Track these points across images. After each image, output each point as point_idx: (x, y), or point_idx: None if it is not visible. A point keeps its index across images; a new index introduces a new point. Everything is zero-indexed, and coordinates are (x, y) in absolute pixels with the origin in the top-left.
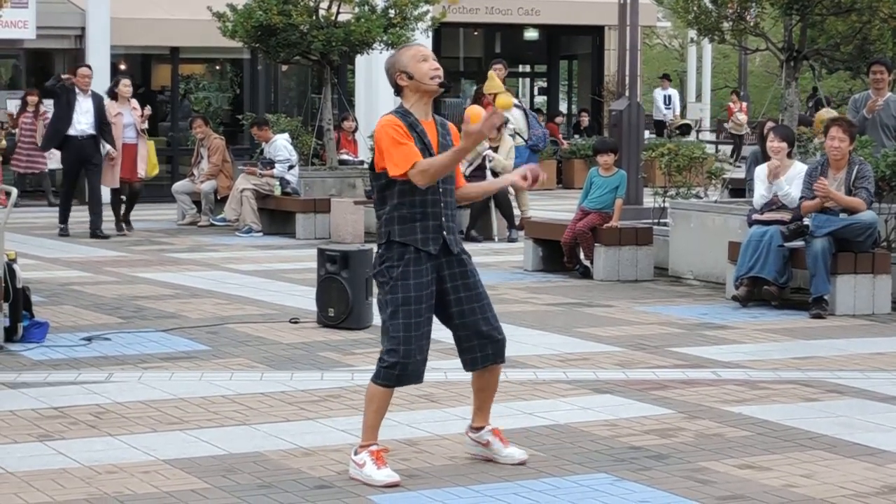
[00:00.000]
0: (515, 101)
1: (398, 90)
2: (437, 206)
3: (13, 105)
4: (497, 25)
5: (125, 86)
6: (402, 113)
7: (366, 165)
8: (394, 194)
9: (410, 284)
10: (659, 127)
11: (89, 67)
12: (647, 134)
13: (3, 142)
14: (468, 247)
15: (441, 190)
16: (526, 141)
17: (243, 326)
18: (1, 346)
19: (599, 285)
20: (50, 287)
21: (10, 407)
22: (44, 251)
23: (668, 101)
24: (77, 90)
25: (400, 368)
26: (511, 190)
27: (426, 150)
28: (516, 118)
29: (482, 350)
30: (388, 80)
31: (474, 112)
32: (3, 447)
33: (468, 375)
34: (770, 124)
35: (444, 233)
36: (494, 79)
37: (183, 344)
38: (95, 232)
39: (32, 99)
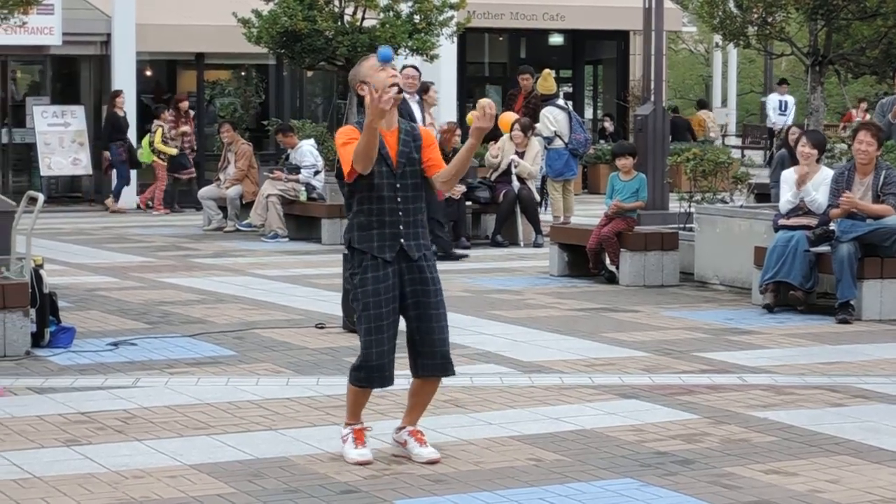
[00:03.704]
0: (560, 102)
1: (361, 101)
2: (394, 215)
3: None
4: (522, 31)
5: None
6: (359, 122)
7: None
8: (354, 202)
9: (369, 290)
10: (770, 134)
11: (415, 68)
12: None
13: (174, 150)
14: (493, 252)
15: (399, 199)
16: (566, 144)
17: (269, 332)
18: (28, 352)
19: (625, 290)
20: (77, 292)
21: (37, 412)
22: (70, 257)
23: (783, 106)
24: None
25: (365, 371)
26: (553, 194)
27: (382, 161)
28: (559, 120)
29: (431, 359)
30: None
31: (506, 119)
32: (30, 452)
33: (494, 381)
34: (796, 129)
35: (402, 240)
36: (549, 78)
37: (209, 349)
38: None
39: (183, 105)
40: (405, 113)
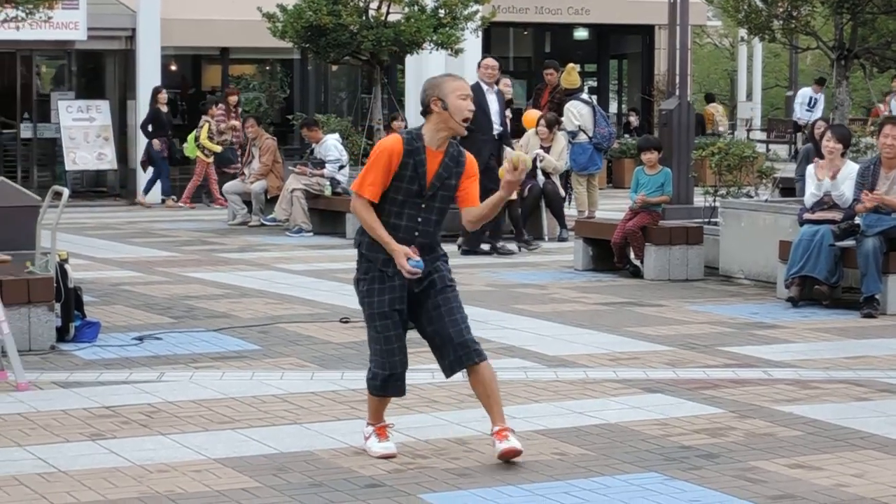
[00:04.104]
0: (585, 96)
1: (426, 112)
2: (410, 233)
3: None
4: (547, 25)
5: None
6: (412, 137)
7: None
8: (375, 206)
9: (374, 302)
10: (796, 128)
11: (494, 59)
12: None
13: (218, 147)
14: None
15: (420, 219)
16: (590, 138)
17: (294, 326)
18: (53, 346)
19: (650, 284)
20: (101, 287)
21: (62, 406)
22: (95, 251)
23: (812, 102)
24: (485, 89)
25: (381, 379)
26: (578, 188)
27: (416, 179)
28: (583, 115)
29: (455, 353)
30: (420, 97)
31: (530, 116)
32: (55, 446)
33: (519, 375)
34: (821, 123)
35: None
36: (573, 73)
37: (234, 343)
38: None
39: (233, 99)
40: (479, 104)
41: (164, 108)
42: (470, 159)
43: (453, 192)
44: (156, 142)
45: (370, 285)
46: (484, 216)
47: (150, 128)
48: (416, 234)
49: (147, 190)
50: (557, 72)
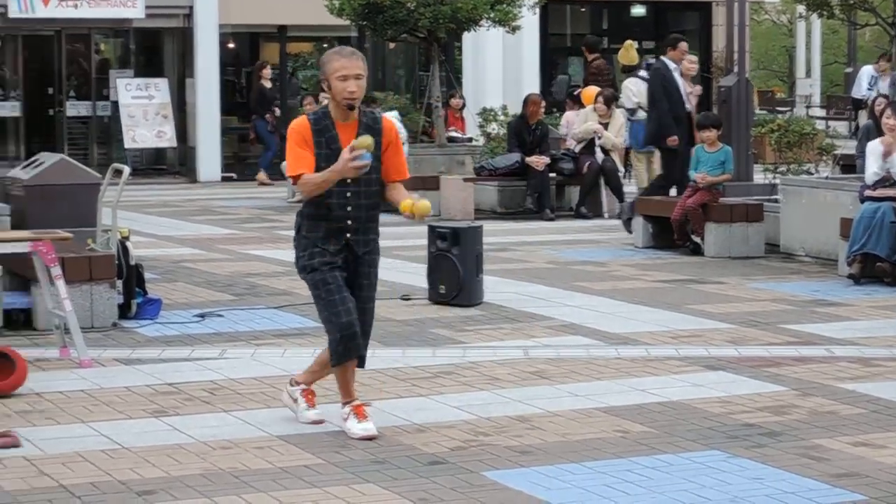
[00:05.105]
0: (643, 73)
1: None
2: (342, 210)
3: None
4: (604, 2)
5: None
6: (318, 116)
7: (473, 143)
8: None
9: (316, 269)
10: (856, 105)
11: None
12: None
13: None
14: (577, 223)
15: (349, 194)
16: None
17: None
18: (115, 323)
19: (710, 262)
20: (163, 264)
21: (125, 383)
22: (157, 229)
23: (873, 81)
24: (672, 69)
25: (342, 343)
26: (637, 165)
27: (333, 155)
28: (642, 92)
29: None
30: None
31: (588, 93)
32: (119, 423)
33: (580, 353)
34: (881, 100)
35: (348, 234)
36: (631, 49)
37: (295, 321)
38: None
39: None
40: (669, 82)
41: (268, 84)
42: (387, 123)
43: (377, 162)
44: (268, 116)
45: (310, 260)
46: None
47: (257, 105)
48: (349, 208)
49: (266, 166)
50: (590, 51)
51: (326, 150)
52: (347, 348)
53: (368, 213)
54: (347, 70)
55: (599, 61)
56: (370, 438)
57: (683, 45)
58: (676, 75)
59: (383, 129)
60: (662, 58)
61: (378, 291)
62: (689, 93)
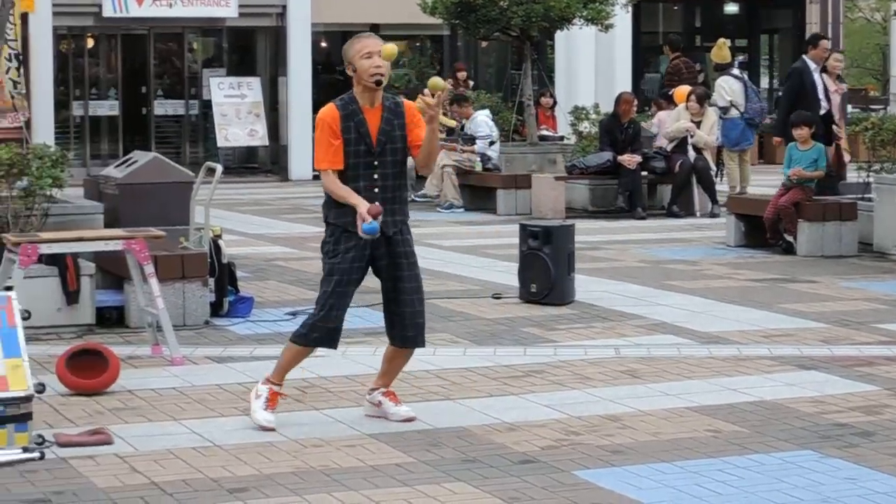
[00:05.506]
0: (735, 71)
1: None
2: (370, 192)
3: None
4: (697, 0)
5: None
6: (345, 101)
7: (565, 141)
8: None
9: (338, 259)
10: None
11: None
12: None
13: (454, 121)
14: (669, 222)
15: (377, 176)
16: (742, 113)
17: (446, 302)
18: (207, 321)
19: (802, 261)
20: (254, 262)
21: (216, 381)
22: (248, 227)
23: None
24: (813, 69)
25: (319, 332)
26: (729, 164)
27: (361, 140)
28: (734, 90)
29: (404, 330)
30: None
31: (681, 91)
32: (210, 420)
33: (671, 352)
34: None
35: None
36: (724, 47)
37: None
38: None
39: (462, 74)
40: (808, 82)
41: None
42: (408, 105)
43: (402, 143)
44: None
45: (335, 245)
46: (428, 153)
47: None
48: (377, 190)
49: None
50: (672, 49)
51: (356, 133)
52: (321, 339)
53: (395, 194)
54: (371, 48)
55: (677, 60)
56: (267, 430)
57: (825, 43)
58: (816, 76)
59: (405, 111)
60: (804, 56)
61: (469, 290)
62: (835, 91)
